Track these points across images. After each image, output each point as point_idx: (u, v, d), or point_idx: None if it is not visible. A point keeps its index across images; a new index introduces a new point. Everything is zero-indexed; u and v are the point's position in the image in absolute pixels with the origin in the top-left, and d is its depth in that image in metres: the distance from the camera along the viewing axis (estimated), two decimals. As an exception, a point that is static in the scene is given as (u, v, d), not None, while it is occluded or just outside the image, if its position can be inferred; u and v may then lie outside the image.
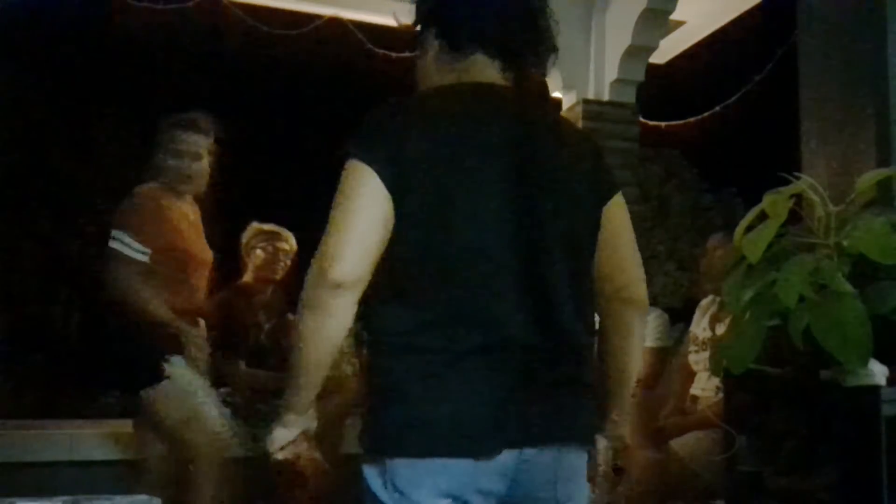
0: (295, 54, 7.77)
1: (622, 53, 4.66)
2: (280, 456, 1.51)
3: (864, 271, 1.95)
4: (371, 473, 1.40)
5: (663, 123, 5.90)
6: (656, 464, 3.09)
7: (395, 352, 1.39)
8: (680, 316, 3.94)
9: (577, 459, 1.49)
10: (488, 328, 1.37)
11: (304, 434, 1.52)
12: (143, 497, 1.91)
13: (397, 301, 1.40)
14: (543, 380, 1.40)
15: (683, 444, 3.09)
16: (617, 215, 1.56)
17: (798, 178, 2.16)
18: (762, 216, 2.12)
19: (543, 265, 1.41)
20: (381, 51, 5.06)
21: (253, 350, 3.57)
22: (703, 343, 3.30)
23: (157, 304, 2.81)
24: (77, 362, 8.94)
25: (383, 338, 1.41)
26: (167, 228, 2.92)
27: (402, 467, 1.36)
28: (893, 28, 2.40)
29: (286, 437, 1.51)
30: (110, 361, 3.10)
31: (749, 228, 2.14)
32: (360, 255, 1.37)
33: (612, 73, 4.73)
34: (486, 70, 1.52)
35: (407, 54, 2.78)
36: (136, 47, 10.26)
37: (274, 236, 3.72)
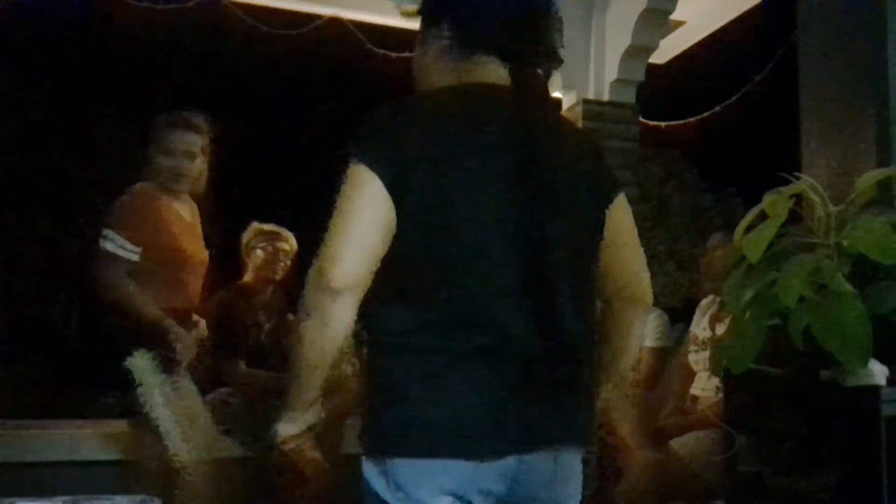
0: (295, 54, 7.76)
1: (622, 53, 4.65)
2: (285, 448, 1.52)
3: (864, 271, 1.95)
4: (372, 473, 1.39)
5: (663, 123, 5.89)
6: (656, 464, 3.09)
7: (395, 352, 1.39)
8: (680, 316, 3.93)
9: (576, 460, 1.49)
10: (488, 329, 1.37)
11: (310, 429, 1.53)
12: (143, 497, 1.91)
13: (397, 301, 1.39)
14: (543, 380, 1.39)
15: (683, 444, 3.09)
16: (620, 216, 1.56)
17: (798, 178, 2.17)
18: (762, 216, 2.13)
19: (544, 266, 1.41)
20: (381, 51, 5.05)
21: (253, 350, 3.57)
22: (703, 343, 3.30)
23: (144, 303, 2.78)
24: (77, 362, 8.92)
25: (383, 338, 1.41)
26: (160, 227, 2.90)
27: (403, 467, 1.36)
28: (893, 28, 2.40)
29: (291, 431, 1.52)
30: (109, 361, 3.10)
31: (749, 228, 2.14)
32: (360, 256, 1.37)
33: (612, 73, 4.72)
34: (488, 71, 1.51)
35: (407, 54, 2.78)
36: (135, 47, 10.24)
37: (274, 236, 3.72)
